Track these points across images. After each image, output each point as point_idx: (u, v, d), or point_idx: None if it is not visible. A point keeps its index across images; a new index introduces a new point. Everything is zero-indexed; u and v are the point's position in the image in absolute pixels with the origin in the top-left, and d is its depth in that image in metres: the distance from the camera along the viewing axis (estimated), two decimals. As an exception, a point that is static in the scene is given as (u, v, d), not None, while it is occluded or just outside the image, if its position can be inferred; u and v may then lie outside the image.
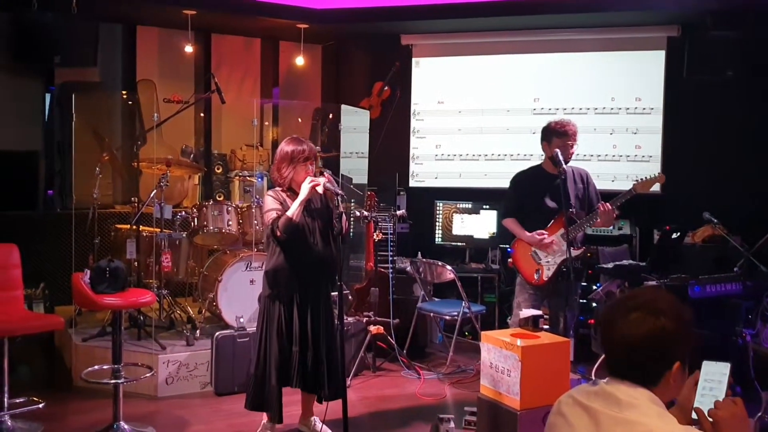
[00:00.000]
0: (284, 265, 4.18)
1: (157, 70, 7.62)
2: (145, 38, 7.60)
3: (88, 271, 4.52)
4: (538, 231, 4.78)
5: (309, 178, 4.10)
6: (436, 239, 7.19)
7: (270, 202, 4.19)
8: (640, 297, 1.93)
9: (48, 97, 7.12)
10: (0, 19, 6.45)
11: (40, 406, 4.51)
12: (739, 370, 4.73)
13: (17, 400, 4.48)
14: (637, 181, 4.70)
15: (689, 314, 1.92)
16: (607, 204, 4.64)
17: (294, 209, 4.06)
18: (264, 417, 4.35)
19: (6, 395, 4.33)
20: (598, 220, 4.67)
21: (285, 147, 4.22)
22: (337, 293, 4.12)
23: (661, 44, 6.89)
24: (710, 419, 1.90)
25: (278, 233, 4.09)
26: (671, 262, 5.33)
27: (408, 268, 6.45)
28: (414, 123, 7.61)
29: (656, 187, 4.77)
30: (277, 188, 4.28)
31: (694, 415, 1.95)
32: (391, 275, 6.04)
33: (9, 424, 4.35)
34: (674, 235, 5.32)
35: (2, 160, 6.55)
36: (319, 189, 4.08)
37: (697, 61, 6.44)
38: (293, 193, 4.19)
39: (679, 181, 6.13)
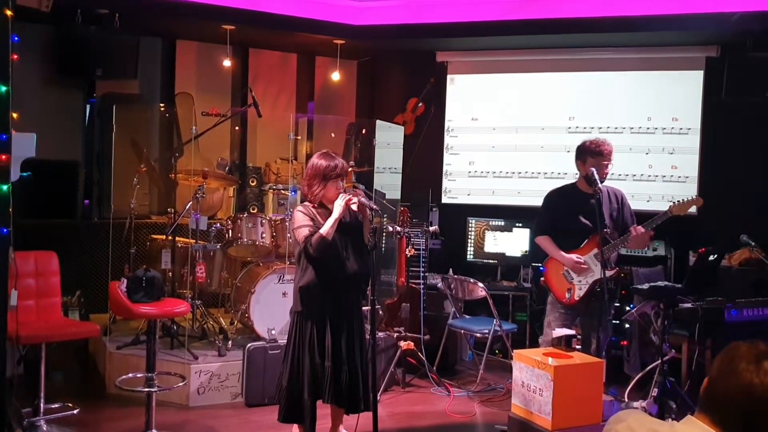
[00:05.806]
0: (316, 282, 4.11)
1: (196, 83, 7.75)
2: (185, 52, 7.74)
3: (125, 280, 4.58)
4: (577, 254, 4.75)
5: (342, 195, 4.06)
6: (468, 256, 7.17)
7: (301, 218, 4.11)
8: None
9: (88, 108, 7.28)
10: (44, 33, 6.63)
11: (74, 412, 4.60)
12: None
13: (52, 406, 4.58)
14: (672, 202, 4.65)
15: None
16: (640, 228, 4.60)
17: (327, 227, 4.00)
18: (294, 429, 4.36)
19: (42, 400, 4.42)
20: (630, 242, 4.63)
21: (317, 162, 4.16)
22: (367, 307, 4.12)
23: (700, 64, 6.82)
24: None
25: (311, 251, 4.01)
26: (707, 284, 5.25)
27: (439, 285, 6.44)
28: (448, 139, 7.62)
29: (692, 209, 4.72)
30: (307, 203, 4.22)
31: None
32: (422, 291, 6.03)
33: (44, 428, 4.43)
34: (711, 257, 5.24)
35: (43, 169, 6.64)
36: (354, 207, 4.06)
37: (737, 81, 6.38)
38: (323, 208, 4.16)
39: (716, 202, 6.03)
